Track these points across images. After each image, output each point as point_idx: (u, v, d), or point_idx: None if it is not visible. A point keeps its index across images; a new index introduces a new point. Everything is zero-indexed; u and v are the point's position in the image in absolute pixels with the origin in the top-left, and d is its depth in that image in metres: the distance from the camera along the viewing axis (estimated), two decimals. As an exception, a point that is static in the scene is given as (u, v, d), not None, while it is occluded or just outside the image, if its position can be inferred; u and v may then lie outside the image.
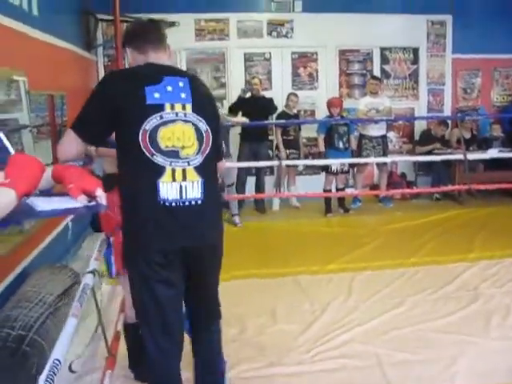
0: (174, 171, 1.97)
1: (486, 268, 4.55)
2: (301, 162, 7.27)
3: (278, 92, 7.56)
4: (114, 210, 2.29)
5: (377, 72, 7.91)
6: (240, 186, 6.77)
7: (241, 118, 6.69)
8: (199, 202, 2.01)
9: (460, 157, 6.67)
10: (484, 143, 7.63)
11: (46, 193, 1.44)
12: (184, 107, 2.03)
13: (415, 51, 8.05)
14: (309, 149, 7.72)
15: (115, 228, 2.49)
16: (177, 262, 2.05)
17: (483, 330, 3.39)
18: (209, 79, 7.54)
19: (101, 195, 1.40)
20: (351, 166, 7.18)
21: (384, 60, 8.02)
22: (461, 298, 3.94)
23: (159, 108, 1.97)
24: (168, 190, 1.95)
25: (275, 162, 6.86)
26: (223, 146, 2.61)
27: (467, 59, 8.03)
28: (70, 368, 2.21)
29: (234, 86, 7.47)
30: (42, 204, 1.30)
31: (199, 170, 2.02)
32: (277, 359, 3.10)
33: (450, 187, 7.10)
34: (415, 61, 8.07)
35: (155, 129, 1.95)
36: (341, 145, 6.72)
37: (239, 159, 6.85)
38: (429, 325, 3.49)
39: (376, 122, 7.00)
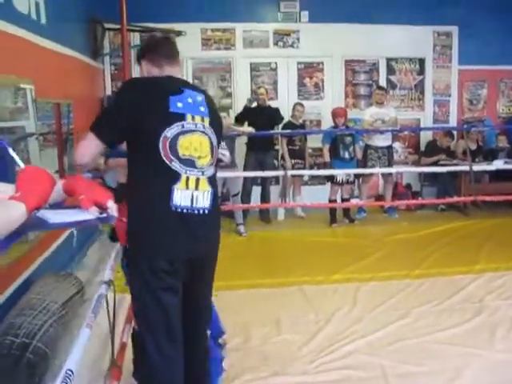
0: (188, 179, 2.02)
1: (491, 280, 4.53)
2: (306, 172, 7.28)
3: (284, 102, 7.59)
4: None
5: (383, 82, 7.92)
6: (245, 196, 6.77)
7: (247, 128, 6.70)
8: (206, 211, 2.07)
9: (466, 168, 6.66)
10: (490, 154, 7.63)
11: (57, 206, 1.45)
12: (203, 120, 2.12)
13: (421, 62, 8.06)
14: (314, 159, 7.71)
15: None
16: (182, 270, 2.08)
17: (488, 343, 3.37)
18: (215, 88, 7.58)
19: (112, 207, 1.42)
20: (356, 176, 7.18)
21: (390, 70, 8.03)
22: (466, 309, 3.92)
23: (181, 117, 2.05)
24: (181, 197, 2.01)
25: (281, 172, 6.87)
26: (228, 155, 2.62)
27: (473, 70, 8.03)
28: None
29: (240, 96, 7.49)
30: (53, 216, 1.31)
31: (210, 180, 2.10)
32: (281, 369, 3.09)
33: (455, 198, 7.09)
34: (421, 71, 8.08)
35: (176, 137, 2.02)
36: (346, 155, 6.72)
37: (245, 169, 6.86)
38: (434, 336, 3.47)
39: (381, 133, 7.01)
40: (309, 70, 7.88)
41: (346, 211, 6.97)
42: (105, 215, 1.40)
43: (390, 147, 7.22)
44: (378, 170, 7.16)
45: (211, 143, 2.14)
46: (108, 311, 2.55)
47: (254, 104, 6.95)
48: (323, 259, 5.25)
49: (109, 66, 7.39)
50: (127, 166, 2.13)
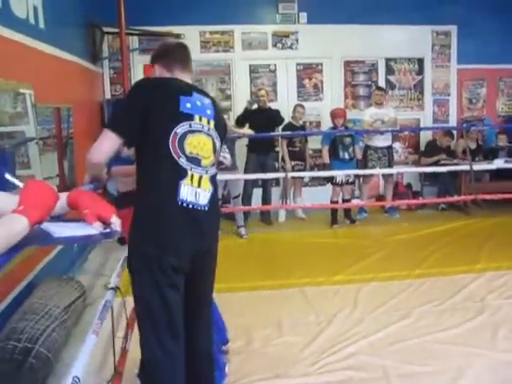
0: (192, 176, 2.11)
1: (492, 279, 4.52)
2: (306, 174, 7.27)
3: (284, 103, 7.59)
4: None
5: (382, 83, 7.93)
6: (246, 198, 6.77)
7: (247, 130, 6.71)
8: (206, 208, 2.14)
9: (466, 167, 6.66)
10: (490, 153, 7.62)
11: (58, 218, 1.46)
12: (209, 122, 2.23)
13: (420, 62, 8.06)
14: (314, 160, 7.71)
15: None
16: (186, 266, 2.13)
17: (490, 342, 3.37)
18: (214, 91, 7.57)
19: (115, 222, 1.44)
20: (357, 176, 7.19)
21: (389, 71, 8.04)
22: (467, 309, 3.92)
23: (190, 117, 2.15)
24: (187, 193, 2.09)
25: (281, 174, 6.87)
26: (229, 157, 2.65)
27: (472, 69, 8.03)
28: None
29: (240, 98, 7.50)
30: (57, 229, 1.31)
31: (212, 180, 2.20)
32: (283, 371, 3.09)
33: (456, 198, 7.08)
34: (420, 71, 8.09)
35: (184, 135, 2.12)
36: (346, 155, 6.72)
37: (246, 171, 6.86)
38: (435, 336, 3.47)
39: (381, 133, 7.01)
40: (308, 72, 7.89)
41: (347, 212, 6.97)
42: (108, 230, 1.42)
43: (390, 147, 7.22)
44: (378, 171, 7.16)
45: (214, 145, 2.23)
46: (112, 318, 2.56)
47: (255, 106, 6.95)
48: (324, 260, 5.25)
49: (108, 70, 7.40)
50: (136, 164, 2.20)
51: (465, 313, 3.84)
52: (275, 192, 7.31)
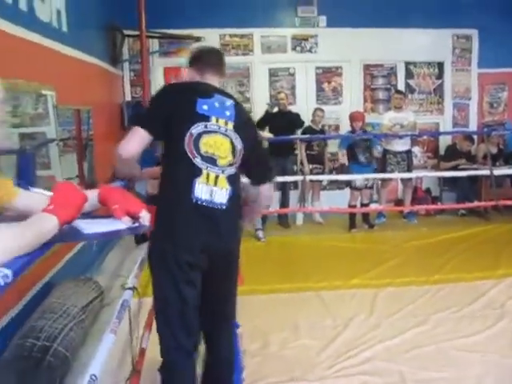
0: (208, 175, 2.17)
1: (512, 285, 4.47)
2: (325, 177, 7.26)
3: (303, 107, 7.57)
4: None
5: (401, 86, 7.89)
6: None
7: (265, 134, 6.71)
8: (223, 207, 2.19)
9: (486, 172, 6.60)
10: (511, 158, 7.53)
11: (87, 215, 1.49)
12: (226, 123, 2.27)
13: (440, 65, 8.01)
14: (333, 163, 7.70)
15: None
16: (202, 263, 2.18)
17: (510, 350, 3.32)
18: (233, 94, 7.57)
19: (144, 216, 1.47)
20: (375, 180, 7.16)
21: (408, 74, 8.00)
22: (487, 316, 3.87)
23: (206, 118, 2.22)
24: (202, 191, 2.15)
25: (299, 177, 6.87)
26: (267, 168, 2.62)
27: (493, 73, 7.95)
28: None
29: (258, 101, 7.51)
30: (86, 226, 1.36)
31: (230, 179, 2.24)
32: (299, 374, 3.09)
33: (476, 203, 7.01)
34: (440, 75, 8.03)
35: (199, 135, 2.18)
36: (363, 159, 6.70)
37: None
38: (453, 343, 3.44)
39: (400, 137, 6.96)
40: (327, 75, 7.88)
41: (365, 216, 6.94)
42: (137, 225, 1.45)
43: (409, 152, 7.17)
44: (397, 175, 7.11)
45: (233, 145, 2.26)
46: (130, 317, 2.58)
47: (275, 109, 6.96)
48: (341, 264, 5.23)
49: (128, 72, 7.45)
50: (161, 159, 2.31)
51: (484, 320, 3.79)
52: (293, 195, 7.30)
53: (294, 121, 7.02)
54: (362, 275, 4.86)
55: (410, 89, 7.99)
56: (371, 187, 7.02)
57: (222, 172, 2.21)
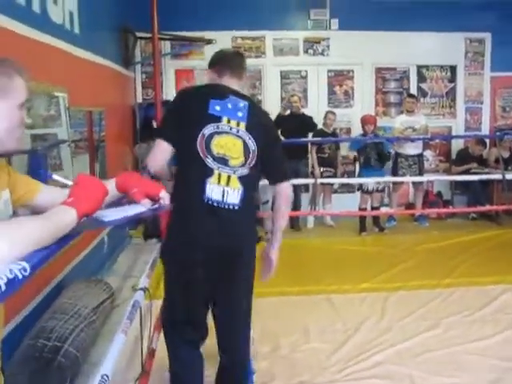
0: (220, 175, 2.20)
1: (525, 290, 4.44)
2: (335, 181, 7.24)
3: (314, 110, 7.57)
4: None
5: (413, 90, 7.86)
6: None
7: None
8: (236, 207, 2.21)
9: (498, 176, 6.55)
10: (523, 162, 7.48)
11: (108, 206, 1.49)
12: (238, 124, 2.28)
13: (453, 69, 7.98)
14: (344, 167, 7.67)
15: None
16: (212, 262, 2.21)
17: (521, 355, 3.30)
18: (245, 96, 7.59)
19: (164, 196, 1.50)
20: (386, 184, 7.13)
21: (421, 78, 7.97)
22: (498, 320, 3.84)
23: (217, 119, 2.24)
24: (213, 191, 2.18)
25: (310, 180, 6.85)
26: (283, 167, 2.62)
27: (506, 77, 7.90)
28: None
29: (270, 104, 7.50)
30: (107, 214, 1.36)
31: (242, 180, 2.24)
32: (309, 378, 3.09)
33: (487, 207, 6.96)
34: (452, 79, 8.00)
35: (210, 136, 2.21)
36: (375, 163, 6.67)
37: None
38: (464, 348, 3.41)
39: (412, 141, 6.93)
40: (339, 78, 7.87)
41: (376, 220, 6.91)
42: (157, 206, 1.48)
43: (420, 155, 7.15)
44: (408, 179, 7.08)
45: (246, 146, 2.26)
46: (141, 318, 2.59)
47: (288, 112, 6.95)
48: (352, 268, 5.21)
49: (140, 75, 7.49)
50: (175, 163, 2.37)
51: (495, 324, 3.77)
52: (304, 198, 7.29)
53: (307, 123, 7.02)
54: (373, 279, 4.84)
55: (423, 92, 7.96)
56: (382, 190, 7.00)
57: (234, 172, 2.22)
